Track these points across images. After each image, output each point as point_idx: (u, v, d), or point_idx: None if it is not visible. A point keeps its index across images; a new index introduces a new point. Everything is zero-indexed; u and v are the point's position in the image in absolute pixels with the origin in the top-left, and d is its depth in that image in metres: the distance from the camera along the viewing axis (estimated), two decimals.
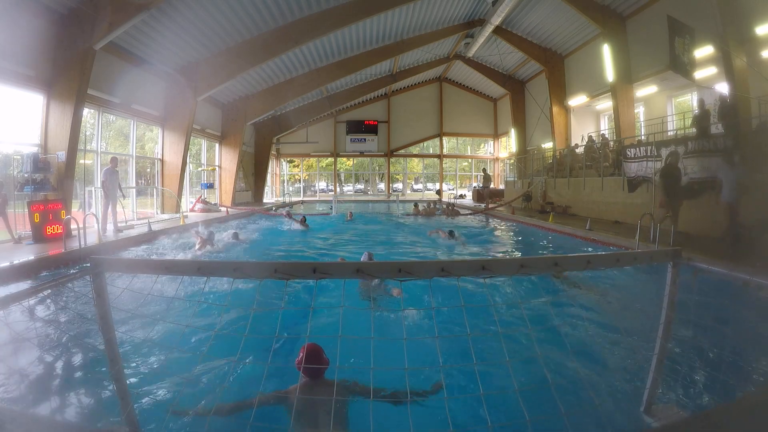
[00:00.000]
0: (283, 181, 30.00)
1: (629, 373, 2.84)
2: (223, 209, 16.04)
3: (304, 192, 30.11)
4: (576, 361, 2.91)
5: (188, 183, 16.38)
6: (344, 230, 11.69)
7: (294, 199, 26.72)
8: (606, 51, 14.00)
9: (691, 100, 13.33)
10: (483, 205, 17.82)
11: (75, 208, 10.03)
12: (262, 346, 2.55)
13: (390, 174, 29.77)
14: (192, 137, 15.09)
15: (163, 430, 2.01)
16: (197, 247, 7.97)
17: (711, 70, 10.63)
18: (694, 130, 9.66)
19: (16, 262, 5.98)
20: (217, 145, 19.08)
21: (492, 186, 22.66)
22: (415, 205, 16.70)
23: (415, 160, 30.41)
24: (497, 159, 29.21)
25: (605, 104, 16.84)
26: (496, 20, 16.91)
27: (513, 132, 23.62)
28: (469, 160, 30.90)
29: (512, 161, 23.39)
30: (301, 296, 4.39)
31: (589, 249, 8.40)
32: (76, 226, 7.30)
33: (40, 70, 8.64)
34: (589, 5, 13.81)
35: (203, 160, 18.64)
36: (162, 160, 14.37)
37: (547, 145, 19.46)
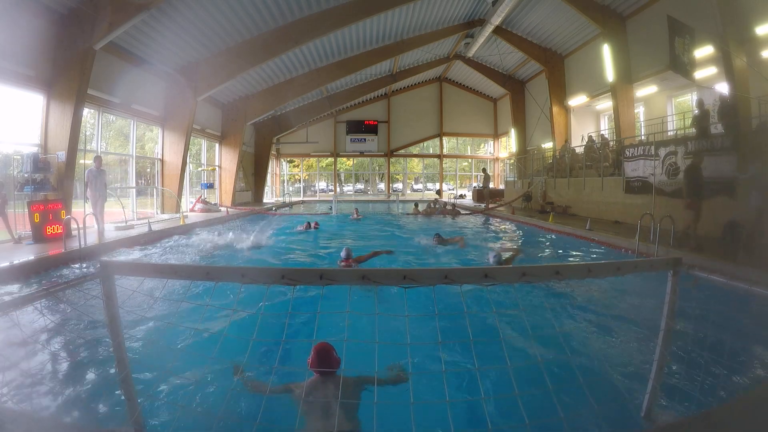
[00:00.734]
0: (283, 181, 30.01)
1: (629, 378, 2.86)
2: (223, 209, 16.05)
3: (304, 192, 30.12)
4: (576, 366, 2.93)
5: (188, 183, 16.39)
6: (358, 232, 11.57)
7: (294, 199, 26.73)
8: (606, 51, 14.02)
9: (691, 100, 13.35)
10: (483, 205, 17.84)
11: (77, 208, 9.98)
12: (269, 350, 2.57)
13: (390, 174, 29.80)
14: (192, 137, 15.09)
15: None
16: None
17: (711, 70, 10.65)
18: (693, 130, 9.69)
19: (16, 262, 5.99)
20: (217, 145, 19.09)
21: (492, 186, 22.69)
22: (416, 205, 16.75)
23: (415, 160, 30.44)
24: (497, 159, 29.23)
25: (605, 104, 16.86)
26: (496, 20, 16.92)
27: (513, 132, 23.64)
28: (469, 160, 30.93)
29: (512, 161, 23.41)
30: (307, 297, 4.40)
31: (591, 250, 8.42)
32: (76, 226, 7.32)
33: (40, 70, 8.64)
34: (589, 5, 13.82)
35: (203, 160, 18.64)
36: (162, 160, 14.37)
37: (547, 145, 19.49)
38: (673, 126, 13.15)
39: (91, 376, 2.65)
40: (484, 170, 20.56)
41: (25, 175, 8.51)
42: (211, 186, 18.19)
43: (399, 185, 30.84)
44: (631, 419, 2.27)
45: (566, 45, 17.78)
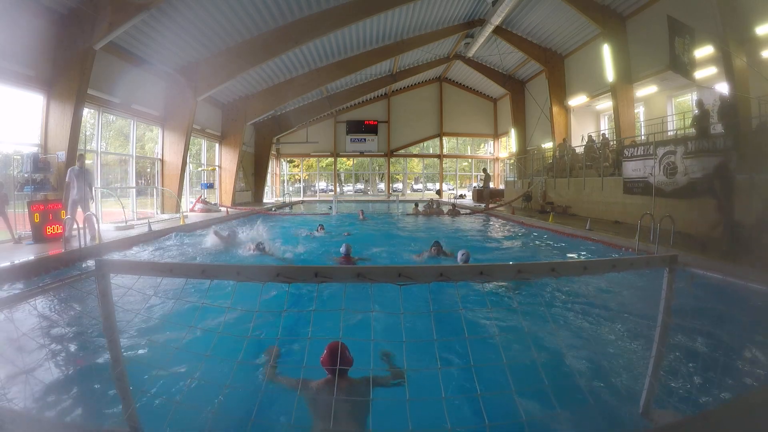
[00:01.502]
0: (283, 181, 30.02)
1: (627, 375, 2.86)
2: (223, 209, 16.06)
3: (304, 192, 30.13)
4: (573, 363, 2.93)
5: (188, 183, 16.40)
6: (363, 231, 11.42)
7: (294, 199, 26.74)
8: (606, 51, 14.02)
9: (691, 100, 13.35)
10: (483, 205, 17.84)
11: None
12: (265, 346, 2.56)
13: (390, 174, 29.80)
14: (192, 137, 15.10)
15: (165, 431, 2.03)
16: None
17: (711, 70, 10.65)
18: (693, 130, 9.68)
19: (16, 262, 6.00)
20: (217, 145, 19.10)
21: (492, 186, 22.68)
22: (416, 205, 16.78)
23: (415, 160, 30.44)
24: (497, 159, 29.22)
25: (605, 104, 16.85)
26: (496, 20, 16.92)
27: (513, 132, 23.64)
28: (469, 160, 30.92)
29: (512, 161, 23.41)
30: (303, 294, 4.40)
31: (592, 250, 8.41)
32: (76, 226, 7.32)
33: (40, 70, 8.65)
34: (589, 5, 13.82)
35: (203, 160, 18.65)
36: (162, 160, 14.38)
37: (547, 145, 19.48)
38: (673, 126, 13.14)
39: (86, 373, 2.64)
40: (484, 170, 20.57)
41: (25, 175, 8.52)
42: (211, 186, 18.20)
43: (399, 185, 30.84)
44: (629, 416, 2.27)
45: (566, 45, 17.78)
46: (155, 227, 9.77)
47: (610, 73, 13.97)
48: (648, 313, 3.74)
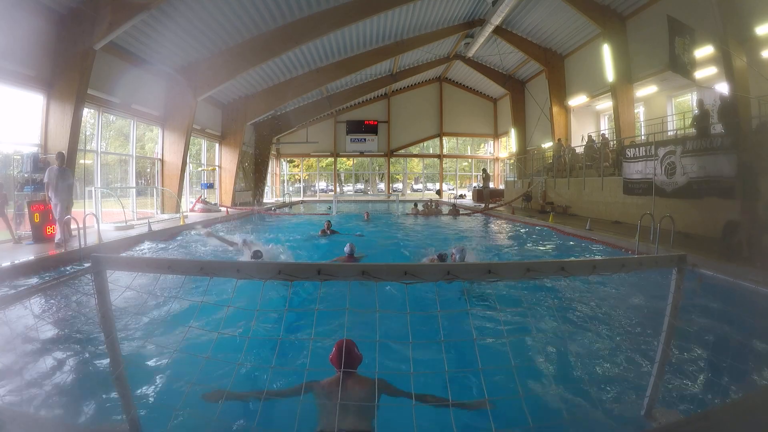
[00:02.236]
0: (283, 181, 29.98)
1: (630, 377, 2.83)
2: (223, 209, 16.02)
3: (304, 192, 30.10)
4: (578, 365, 2.90)
5: (188, 183, 16.36)
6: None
7: (294, 199, 26.71)
8: (606, 51, 14.00)
9: (691, 100, 13.33)
10: (483, 205, 17.81)
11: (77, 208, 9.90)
12: (266, 347, 2.53)
13: (390, 174, 29.77)
14: (192, 137, 15.07)
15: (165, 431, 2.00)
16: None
17: (711, 70, 10.63)
18: (693, 130, 9.67)
19: (16, 262, 5.96)
20: (217, 145, 19.06)
21: (492, 186, 22.65)
22: (415, 205, 16.80)
23: (415, 160, 30.41)
24: (497, 159, 29.21)
25: (605, 104, 16.84)
26: (496, 20, 16.91)
27: (513, 132, 23.62)
28: (469, 160, 30.90)
29: (512, 161, 23.38)
30: (304, 293, 4.36)
31: (592, 250, 8.39)
32: (76, 226, 7.29)
33: (40, 70, 8.62)
34: (589, 5, 13.81)
35: (203, 160, 18.62)
36: (162, 160, 14.35)
37: (547, 145, 19.46)
38: (673, 126, 13.12)
39: (85, 373, 2.61)
40: (484, 170, 20.54)
41: (25, 175, 8.47)
42: (211, 186, 18.17)
43: (399, 185, 30.82)
44: (632, 418, 2.24)
45: (566, 45, 17.77)
46: (155, 227, 9.74)
47: (610, 73, 13.95)
48: (651, 313, 3.72)
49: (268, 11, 13.09)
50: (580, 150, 15.20)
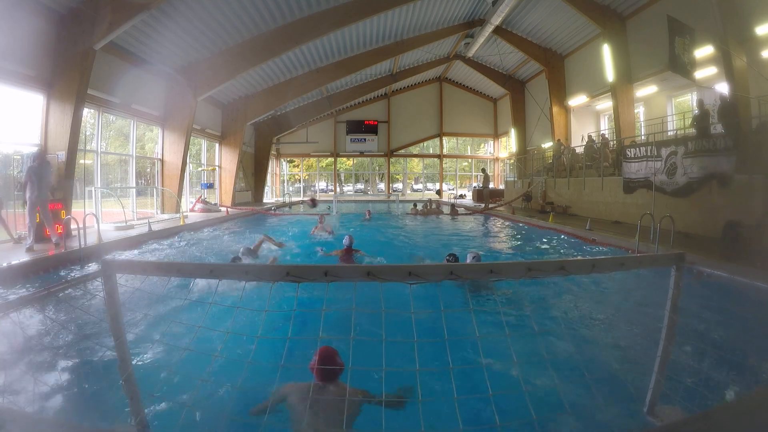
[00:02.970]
0: (283, 181, 30.00)
1: (633, 375, 2.86)
2: (223, 209, 16.04)
3: (304, 192, 30.12)
4: (580, 362, 2.93)
5: (188, 183, 16.38)
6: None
7: (294, 199, 26.73)
8: (606, 51, 14.02)
9: (691, 100, 13.36)
10: (482, 205, 17.84)
11: (77, 208, 9.91)
12: (275, 347, 2.55)
13: (390, 174, 29.79)
14: (192, 137, 15.08)
15: None
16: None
17: (711, 70, 10.66)
18: (693, 130, 9.70)
19: (15, 262, 5.99)
20: (217, 145, 19.08)
21: (492, 186, 22.68)
22: (414, 205, 16.86)
23: (415, 160, 30.44)
24: (497, 159, 29.24)
25: (605, 104, 16.87)
26: (496, 20, 16.93)
27: (513, 132, 23.65)
28: (469, 160, 30.93)
29: (512, 161, 23.41)
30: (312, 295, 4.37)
31: (592, 250, 8.42)
32: (76, 226, 7.31)
33: (40, 70, 8.64)
34: (589, 5, 13.83)
35: (203, 160, 18.64)
36: (162, 160, 14.36)
37: (547, 145, 19.50)
38: (673, 126, 13.15)
39: (93, 375, 2.63)
40: (483, 170, 20.56)
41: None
42: (211, 186, 18.19)
43: (399, 185, 30.85)
44: (634, 415, 2.27)
45: (566, 45, 17.79)
46: (155, 227, 9.76)
47: (610, 73, 13.98)
48: (653, 311, 3.75)
49: (268, 11, 13.11)
50: (580, 150, 15.23)
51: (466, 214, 16.24)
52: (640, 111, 15.05)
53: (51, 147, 8.92)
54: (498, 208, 16.46)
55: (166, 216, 13.24)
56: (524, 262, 1.53)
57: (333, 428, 1.99)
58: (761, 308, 4.35)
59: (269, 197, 26.33)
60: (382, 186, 30.43)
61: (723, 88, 9.58)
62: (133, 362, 1.81)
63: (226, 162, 19.06)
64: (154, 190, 14.31)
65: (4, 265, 5.70)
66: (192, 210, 15.32)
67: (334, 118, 28.05)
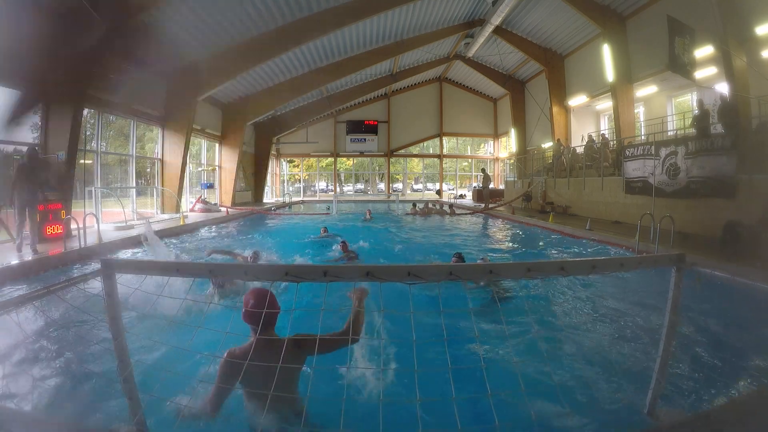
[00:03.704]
0: (283, 181, 30.01)
1: (633, 376, 2.86)
2: (223, 209, 16.04)
3: (304, 192, 30.13)
4: (579, 363, 2.93)
5: (188, 183, 16.38)
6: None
7: (294, 199, 26.74)
8: (606, 51, 14.03)
9: (691, 100, 13.36)
10: (482, 205, 17.85)
11: (77, 208, 9.89)
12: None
13: (390, 174, 29.78)
14: (192, 137, 15.08)
15: None
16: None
17: (711, 70, 10.66)
18: (693, 130, 9.69)
19: (14, 262, 5.99)
20: (217, 145, 19.08)
21: (492, 186, 22.67)
22: (414, 205, 16.89)
23: (415, 160, 30.43)
24: (497, 159, 29.23)
25: (605, 104, 16.87)
26: (496, 20, 16.93)
27: (513, 132, 23.65)
28: (469, 160, 30.93)
29: (512, 161, 23.41)
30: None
31: (591, 250, 8.42)
32: (76, 226, 7.31)
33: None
34: (589, 5, 13.83)
35: (203, 160, 18.64)
36: (162, 160, 14.36)
37: (547, 144, 19.50)
38: (673, 126, 13.15)
39: (93, 376, 2.63)
40: (483, 170, 20.56)
41: None
42: (211, 186, 18.20)
43: (399, 185, 30.84)
44: (634, 416, 2.27)
45: (566, 45, 17.79)
46: (155, 227, 9.75)
47: (610, 73, 13.98)
48: (654, 311, 3.75)
49: (269, 11, 13.11)
50: (579, 150, 15.23)
51: (464, 213, 16.25)
52: (640, 111, 15.05)
53: (51, 147, 8.91)
54: (498, 208, 16.46)
55: (166, 216, 13.24)
56: (524, 263, 1.53)
57: (281, 383, 1.84)
58: (761, 309, 4.35)
59: (269, 197, 26.32)
60: (382, 186, 30.43)
61: (723, 88, 9.58)
62: (132, 362, 1.80)
63: (226, 162, 19.06)
64: (154, 190, 14.31)
65: (5, 264, 5.71)
66: (192, 210, 15.32)
67: (334, 118, 28.05)
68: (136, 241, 8.59)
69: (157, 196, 14.19)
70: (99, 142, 11.48)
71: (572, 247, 8.70)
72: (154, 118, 13.71)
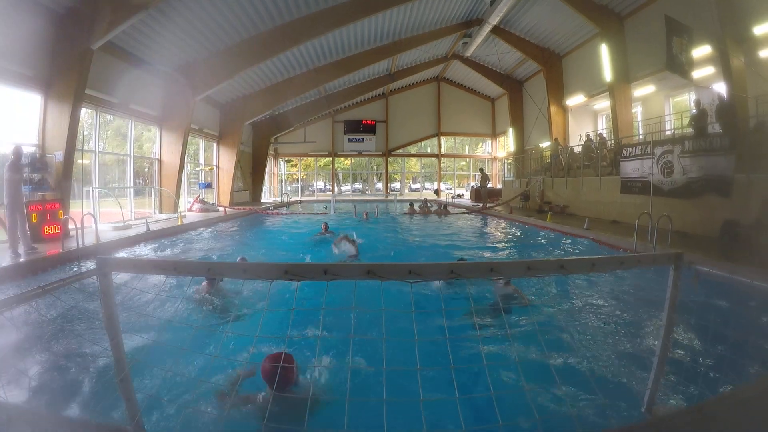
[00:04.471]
0: (281, 181, 29.95)
1: (631, 373, 2.86)
2: (221, 209, 16.01)
3: (302, 192, 30.09)
4: (579, 361, 2.93)
5: (186, 183, 16.33)
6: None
7: (293, 198, 26.70)
8: (604, 51, 14.05)
9: (688, 99, 13.38)
10: (480, 205, 17.86)
11: (75, 208, 9.85)
12: (274, 347, 2.53)
13: (388, 173, 29.77)
14: (190, 137, 15.04)
15: None
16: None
17: (709, 70, 10.67)
18: (691, 129, 9.71)
19: (13, 262, 5.96)
20: (215, 144, 19.04)
21: (490, 185, 22.68)
22: (411, 204, 16.92)
23: (413, 159, 30.43)
24: (495, 158, 29.25)
25: (603, 104, 16.88)
26: (494, 20, 16.93)
27: (511, 131, 23.65)
28: (467, 160, 30.94)
29: (510, 161, 23.42)
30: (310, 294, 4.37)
31: (590, 249, 8.43)
32: (73, 227, 7.28)
33: (38, 69, 8.60)
34: (587, 5, 13.84)
35: (201, 159, 18.59)
36: (160, 160, 14.32)
37: (545, 144, 19.52)
38: (670, 126, 13.18)
39: (89, 376, 2.62)
40: (481, 170, 20.56)
41: (24, 175, 8.43)
42: (209, 186, 18.15)
43: (397, 185, 30.83)
44: (632, 413, 2.27)
45: (564, 44, 17.81)
46: (153, 227, 9.73)
47: (607, 73, 14.00)
48: (652, 310, 3.75)
49: (267, 11, 13.08)
50: (577, 149, 15.25)
51: (460, 213, 16.28)
52: (637, 110, 15.08)
53: (49, 147, 8.89)
54: (496, 208, 16.48)
55: (164, 216, 13.20)
56: (524, 261, 1.53)
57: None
58: (759, 307, 4.36)
59: (267, 197, 26.28)
60: (380, 186, 30.42)
61: (721, 87, 9.60)
62: (129, 362, 1.79)
63: (224, 162, 19.02)
64: (152, 190, 14.27)
65: (4, 264, 5.68)
66: (190, 210, 15.28)
67: (332, 117, 28.02)
68: (133, 241, 8.57)
69: (154, 196, 14.14)
70: (97, 141, 11.44)
71: (571, 247, 8.71)
72: (151, 117, 13.67)
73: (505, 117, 25.17)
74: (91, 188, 10.85)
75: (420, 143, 29.43)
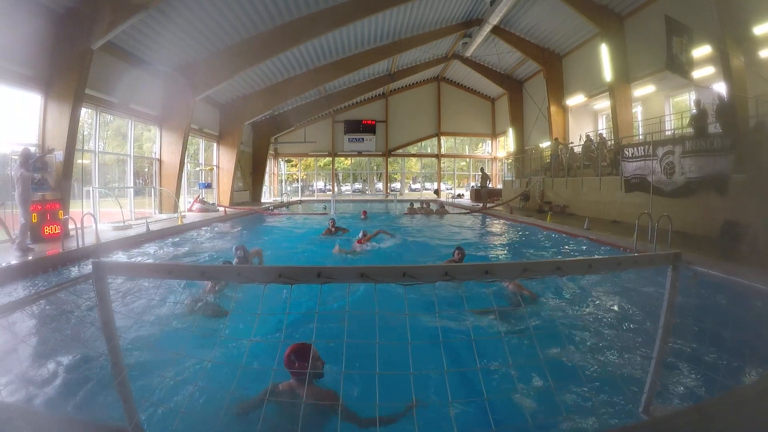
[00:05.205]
0: (281, 181, 29.96)
1: (628, 374, 2.86)
2: (221, 209, 16.01)
3: (302, 192, 30.09)
4: (576, 363, 2.93)
5: (186, 183, 16.33)
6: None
7: (292, 198, 26.70)
8: (604, 51, 14.03)
9: (688, 99, 13.36)
10: (480, 205, 17.85)
11: (75, 208, 9.85)
12: (268, 350, 2.53)
13: (388, 174, 29.76)
14: (190, 137, 15.05)
15: None
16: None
17: (709, 70, 10.66)
18: (691, 129, 9.70)
19: (13, 262, 5.96)
20: (215, 144, 19.05)
21: (490, 185, 22.66)
22: (411, 204, 16.92)
23: (413, 159, 30.42)
24: (495, 158, 29.24)
25: (603, 104, 16.86)
26: (494, 20, 16.92)
27: (511, 131, 23.63)
28: (467, 160, 30.93)
29: (510, 161, 23.41)
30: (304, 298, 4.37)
31: (590, 249, 8.42)
32: (73, 227, 7.28)
33: (38, 69, 8.60)
34: (587, 5, 13.83)
35: (201, 159, 18.59)
36: (160, 160, 14.33)
37: (545, 144, 19.50)
38: (670, 126, 13.16)
39: (87, 380, 2.61)
40: (481, 170, 20.55)
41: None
42: (209, 186, 18.16)
43: (397, 185, 30.83)
44: (630, 415, 2.27)
45: (564, 44, 17.79)
46: (153, 227, 9.73)
47: (608, 73, 13.99)
48: (649, 310, 3.74)
49: (267, 11, 13.08)
50: (577, 149, 15.24)
51: (460, 213, 16.28)
52: (638, 110, 15.07)
53: (49, 146, 8.87)
54: (496, 208, 16.47)
55: (164, 216, 13.20)
56: (520, 263, 1.52)
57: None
58: (758, 308, 4.35)
59: (267, 197, 26.29)
60: (380, 186, 30.42)
61: (721, 87, 9.58)
62: (126, 366, 1.79)
63: (224, 162, 19.03)
64: (152, 190, 14.28)
65: (4, 264, 5.68)
66: (190, 210, 15.28)
67: (332, 117, 28.02)
68: (133, 242, 8.57)
69: (155, 196, 14.15)
70: (97, 141, 11.45)
71: (570, 247, 8.70)
72: (151, 117, 13.67)
73: (505, 117, 25.15)
74: (91, 188, 10.86)
75: (420, 143, 29.42)
